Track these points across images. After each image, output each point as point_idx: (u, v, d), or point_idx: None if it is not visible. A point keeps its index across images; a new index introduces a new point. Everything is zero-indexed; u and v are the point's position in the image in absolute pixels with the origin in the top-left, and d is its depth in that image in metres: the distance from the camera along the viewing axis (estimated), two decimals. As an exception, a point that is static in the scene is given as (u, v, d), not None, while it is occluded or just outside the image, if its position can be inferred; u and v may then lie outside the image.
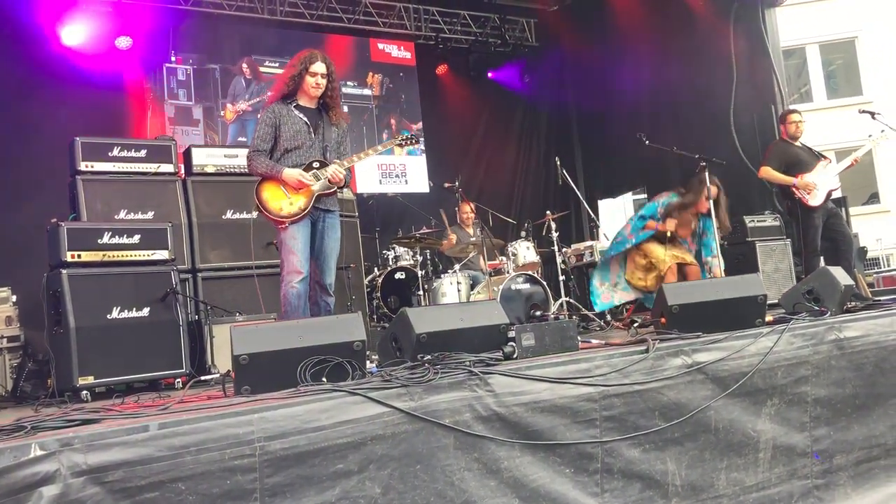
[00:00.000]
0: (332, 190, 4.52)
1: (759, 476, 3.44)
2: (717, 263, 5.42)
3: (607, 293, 5.48)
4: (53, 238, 4.50)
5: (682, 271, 5.41)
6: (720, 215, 5.50)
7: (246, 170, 4.74)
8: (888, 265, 14.11)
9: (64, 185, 5.59)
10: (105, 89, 8.29)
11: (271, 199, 4.39)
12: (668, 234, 5.34)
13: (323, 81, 4.52)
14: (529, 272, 7.19)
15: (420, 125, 10.89)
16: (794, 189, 6.72)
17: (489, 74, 11.40)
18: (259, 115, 4.58)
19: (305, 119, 4.52)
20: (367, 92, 10.90)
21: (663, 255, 5.26)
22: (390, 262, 7.85)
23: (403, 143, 5.12)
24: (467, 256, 7.65)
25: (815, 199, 6.67)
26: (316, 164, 4.47)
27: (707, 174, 5.47)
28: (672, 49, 9.61)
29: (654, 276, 5.32)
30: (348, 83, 10.76)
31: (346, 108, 10.48)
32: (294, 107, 4.53)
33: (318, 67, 4.49)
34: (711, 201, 5.37)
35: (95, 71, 8.16)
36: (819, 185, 6.67)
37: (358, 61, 10.76)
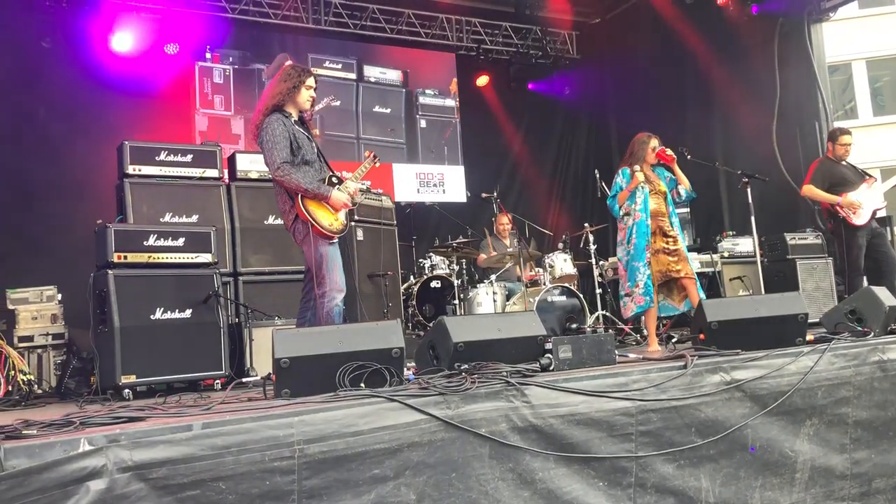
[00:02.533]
0: (354, 206, 4.57)
1: (794, 496, 3.39)
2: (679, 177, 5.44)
3: (631, 302, 5.44)
4: (101, 239, 4.61)
5: (672, 286, 5.34)
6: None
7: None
8: (934, 287, 13.78)
9: (111, 187, 5.73)
10: (151, 96, 8.46)
11: (321, 213, 4.33)
12: (656, 229, 5.27)
13: (315, 96, 4.57)
14: (566, 284, 7.18)
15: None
16: (838, 208, 6.60)
17: (529, 86, 11.41)
18: (269, 127, 4.38)
19: (306, 133, 4.52)
20: (449, 103, 10.85)
21: (654, 270, 5.22)
22: (426, 271, 7.89)
23: (374, 163, 4.97)
24: (504, 267, 7.66)
25: (860, 219, 6.55)
26: (335, 180, 4.46)
27: (642, 133, 5.53)
28: (715, 63, 9.53)
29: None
30: (427, 91, 10.72)
31: (423, 123, 10.89)
32: (294, 122, 4.49)
33: (312, 82, 4.53)
34: (656, 148, 5.36)
35: (143, 77, 8.35)
36: (864, 203, 6.56)
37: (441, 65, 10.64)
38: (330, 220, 4.34)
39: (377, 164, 4.98)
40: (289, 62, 4.72)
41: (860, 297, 4.42)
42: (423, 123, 11.02)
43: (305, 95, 4.49)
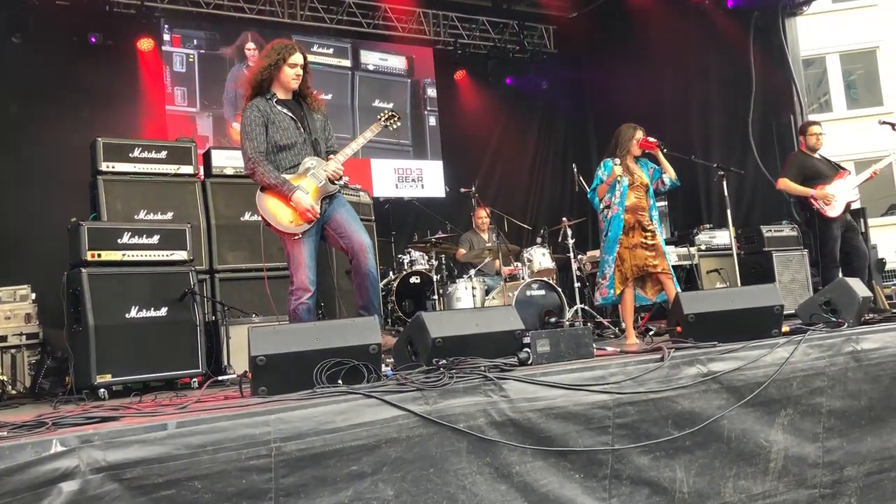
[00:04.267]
0: (334, 190, 4.32)
1: (766, 485, 3.43)
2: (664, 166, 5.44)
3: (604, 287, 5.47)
4: (74, 237, 4.56)
5: (646, 278, 5.36)
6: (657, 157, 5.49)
7: None
8: (907, 277, 13.97)
9: (85, 184, 5.66)
10: (128, 91, 8.35)
11: (278, 211, 4.15)
12: (634, 223, 5.28)
13: (301, 73, 4.32)
14: (544, 278, 7.19)
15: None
16: (812, 200, 6.70)
17: (507, 81, 11.43)
18: (244, 116, 4.19)
19: (290, 115, 4.29)
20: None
21: (631, 265, 5.24)
22: (405, 267, 7.87)
23: (389, 124, 4.74)
24: (482, 262, 7.67)
25: (833, 210, 6.64)
26: (311, 163, 4.25)
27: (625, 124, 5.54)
28: (691, 57, 9.60)
29: (616, 280, 5.30)
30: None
31: (433, 120, 9.46)
32: (276, 102, 4.28)
33: (298, 59, 4.27)
34: (640, 139, 5.37)
35: (119, 73, 8.24)
36: (837, 196, 6.65)
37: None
38: (289, 216, 4.15)
39: (394, 127, 4.69)
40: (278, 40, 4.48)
41: (834, 289, 4.47)
42: (432, 121, 9.85)
43: (290, 74, 4.26)
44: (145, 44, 8.34)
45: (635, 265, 5.28)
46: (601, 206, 5.47)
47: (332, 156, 4.34)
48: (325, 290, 5.78)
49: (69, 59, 7.97)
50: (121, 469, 2.24)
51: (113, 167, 5.48)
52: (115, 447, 2.25)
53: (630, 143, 5.42)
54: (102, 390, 4.26)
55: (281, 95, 4.32)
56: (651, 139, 5.41)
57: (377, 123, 4.64)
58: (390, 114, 4.69)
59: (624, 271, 5.30)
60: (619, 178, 5.30)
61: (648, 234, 5.34)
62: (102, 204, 5.38)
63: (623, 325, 5.66)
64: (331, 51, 8.93)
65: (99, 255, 4.53)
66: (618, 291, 5.31)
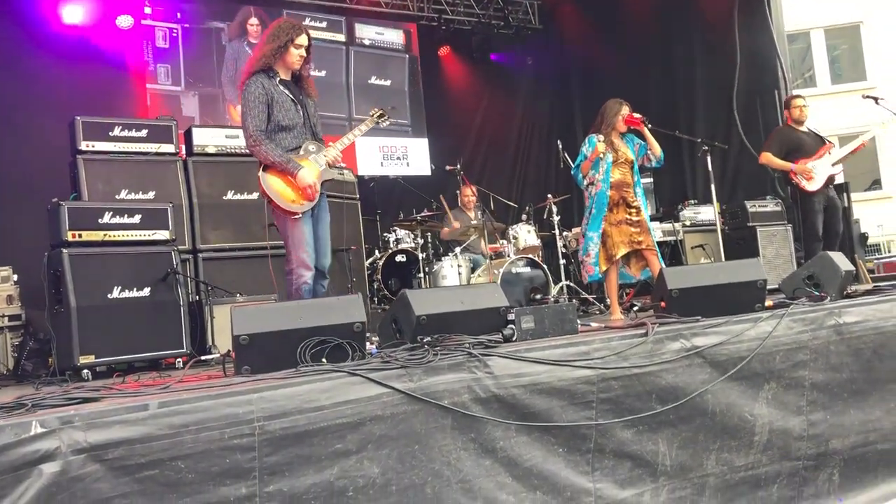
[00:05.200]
0: (332, 175, 4.36)
1: (750, 457, 3.46)
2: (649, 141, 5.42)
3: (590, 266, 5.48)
4: (54, 217, 4.51)
5: (631, 254, 5.36)
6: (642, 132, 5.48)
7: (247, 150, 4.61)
8: (889, 251, 14.12)
9: (65, 164, 5.59)
10: (107, 70, 8.21)
11: (282, 189, 4.15)
12: (619, 200, 5.28)
13: (305, 55, 4.33)
14: (530, 256, 7.20)
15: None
16: (791, 174, 6.71)
17: (492, 57, 11.35)
18: (247, 91, 4.19)
19: (291, 96, 4.30)
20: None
21: (618, 241, 5.24)
22: (391, 245, 7.85)
23: (380, 122, 4.70)
24: (468, 240, 7.66)
25: (812, 185, 6.63)
26: (312, 148, 4.29)
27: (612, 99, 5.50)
28: (676, 32, 9.56)
29: (602, 257, 5.30)
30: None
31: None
32: (279, 82, 4.28)
33: (303, 40, 4.28)
34: (626, 115, 5.35)
35: (98, 50, 8.09)
36: (818, 170, 6.64)
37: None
38: (293, 196, 4.17)
39: (383, 125, 4.69)
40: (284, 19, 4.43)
41: (817, 263, 4.49)
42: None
43: (295, 55, 4.27)
44: (124, 21, 8.19)
45: (621, 241, 5.28)
46: (585, 183, 5.46)
47: (330, 143, 4.37)
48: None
49: (45, 34, 7.83)
50: (102, 450, 2.22)
51: (93, 146, 5.41)
52: (97, 428, 2.24)
53: (615, 119, 5.38)
54: (86, 371, 4.23)
55: (282, 75, 4.32)
56: (636, 115, 5.38)
57: (370, 119, 4.64)
58: (381, 111, 4.68)
59: (609, 248, 5.30)
60: (602, 155, 5.27)
61: (633, 210, 5.33)
62: (83, 184, 5.32)
63: (608, 301, 5.68)
64: (324, 24, 8.40)
65: (80, 236, 4.48)
66: (603, 269, 5.31)
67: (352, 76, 8.65)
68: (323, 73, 8.36)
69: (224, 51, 8.10)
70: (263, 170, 4.21)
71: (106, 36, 8.08)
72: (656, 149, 5.44)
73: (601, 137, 5.29)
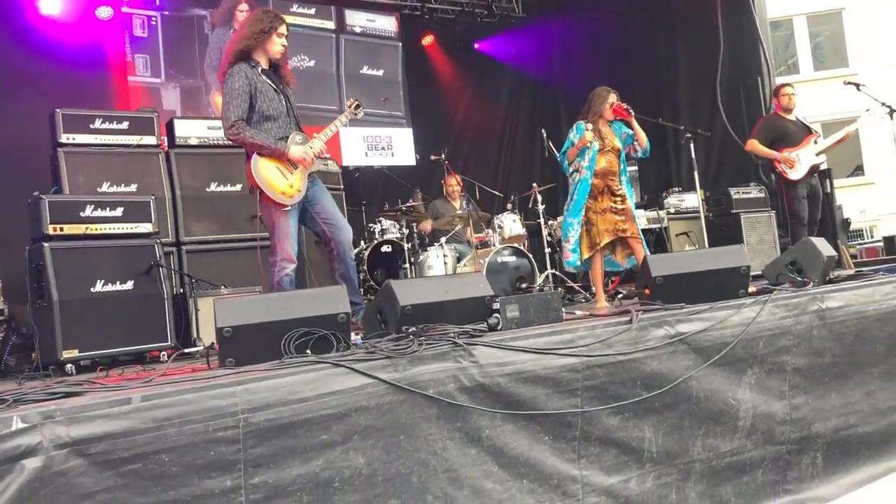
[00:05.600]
0: (318, 167, 4.40)
1: (735, 442, 3.49)
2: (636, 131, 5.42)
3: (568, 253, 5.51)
4: (35, 211, 4.46)
5: (616, 243, 5.38)
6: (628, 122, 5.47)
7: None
8: (871, 237, 14.24)
9: (45, 157, 5.53)
10: (87, 63, 8.10)
11: (273, 179, 4.14)
12: (604, 188, 5.28)
13: (286, 44, 4.36)
14: (515, 245, 7.20)
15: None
16: (775, 162, 6.78)
17: (475, 46, 11.31)
18: (229, 81, 4.15)
19: (273, 85, 4.30)
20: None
21: (602, 230, 5.25)
22: (377, 236, 7.83)
23: (357, 113, 4.71)
24: (453, 229, 7.65)
25: (795, 173, 6.71)
26: (299, 139, 4.28)
27: (601, 87, 5.50)
28: (659, 20, 9.57)
29: (585, 245, 5.31)
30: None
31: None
32: (261, 71, 4.26)
33: (284, 30, 4.31)
34: (613, 104, 5.35)
35: (77, 43, 7.98)
36: (802, 159, 6.71)
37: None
38: (284, 186, 4.16)
39: (360, 115, 4.69)
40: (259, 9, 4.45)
41: (800, 249, 4.52)
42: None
43: (278, 43, 4.28)
44: (104, 12, 8.08)
45: (605, 230, 5.28)
46: (570, 170, 5.46)
47: (315, 134, 4.37)
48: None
49: (24, 26, 7.72)
50: (85, 444, 2.21)
51: (73, 139, 5.35)
52: (79, 422, 2.22)
53: (602, 107, 5.38)
54: (69, 366, 4.19)
55: (263, 64, 4.30)
56: (624, 106, 5.37)
57: (348, 111, 4.64)
58: (357, 102, 4.68)
59: (594, 236, 5.31)
60: (589, 144, 5.27)
61: (618, 198, 5.34)
62: (64, 177, 5.26)
63: (593, 289, 5.69)
64: (312, 10, 7.98)
65: (61, 229, 4.43)
66: (585, 256, 5.32)
67: (342, 66, 8.32)
68: (312, 63, 8.08)
69: (206, 40, 7.88)
70: (254, 160, 4.17)
71: (85, 27, 7.97)
72: (643, 139, 5.44)
73: (589, 126, 5.28)
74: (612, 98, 5.40)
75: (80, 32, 7.96)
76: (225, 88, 4.21)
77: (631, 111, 5.37)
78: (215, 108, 7.84)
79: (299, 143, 4.27)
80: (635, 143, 5.44)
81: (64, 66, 7.67)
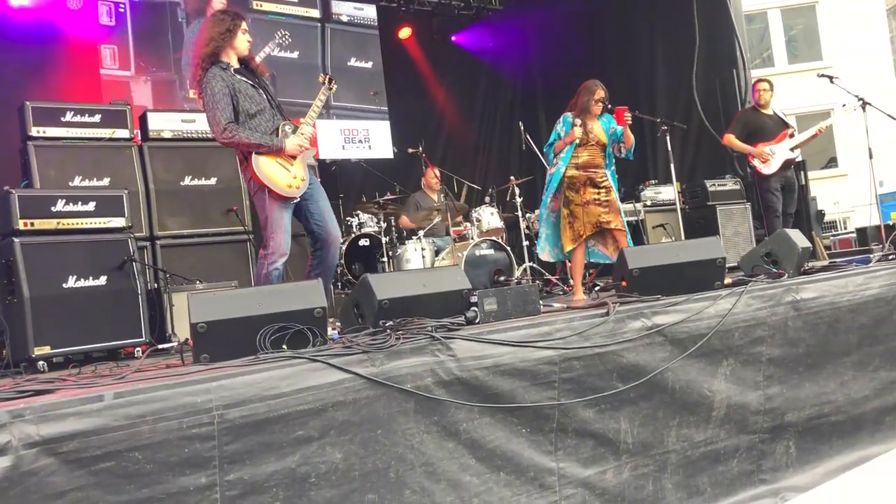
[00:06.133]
0: (312, 154, 4.40)
1: (708, 432, 3.52)
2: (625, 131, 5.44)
3: (542, 245, 5.55)
4: (4, 206, 4.38)
5: (606, 235, 5.40)
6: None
7: (207, 135, 4.55)
8: (845, 228, 14.42)
9: (15, 151, 5.44)
10: (58, 54, 7.94)
11: (277, 175, 4.15)
12: (586, 180, 5.31)
13: (251, 39, 4.37)
14: (493, 238, 7.20)
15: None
16: (749, 157, 6.89)
17: (453, 38, 11.28)
18: (209, 87, 4.12)
19: (249, 81, 4.28)
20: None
21: (585, 223, 5.27)
22: (354, 229, 7.79)
23: (331, 88, 4.65)
24: (431, 223, 7.63)
25: (768, 168, 6.82)
26: (289, 129, 4.28)
27: (591, 80, 5.50)
28: (636, 13, 9.60)
29: (568, 237, 5.34)
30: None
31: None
32: (234, 71, 4.25)
33: (245, 25, 4.32)
34: (601, 101, 5.36)
35: (48, 33, 7.82)
36: (776, 153, 6.81)
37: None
38: (287, 179, 4.19)
39: (333, 89, 4.66)
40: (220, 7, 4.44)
41: (775, 240, 4.56)
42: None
43: (243, 40, 4.28)
44: (75, 1, 7.93)
45: (588, 222, 5.29)
46: (553, 161, 5.47)
47: (302, 120, 4.36)
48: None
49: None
50: (56, 443, 2.17)
51: (44, 132, 5.27)
52: (49, 421, 2.18)
53: (590, 103, 5.38)
54: (42, 363, 4.14)
55: (234, 64, 4.30)
56: (627, 116, 5.34)
57: (324, 88, 4.58)
58: (329, 76, 4.63)
59: (577, 228, 5.32)
60: (577, 140, 5.28)
61: (602, 190, 5.35)
62: (34, 171, 5.18)
63: (571, 281, 5.71)
64: None
65: (32, 224, 4.37)
66: (568, 248, 5.34)
67: (328, 58, 7.92)
68: (295, 55, 7.69)
69: (180, 28, 7.57)
70: (254, 160, 4.16)
71: (56, 17, 7.80)
72: (629, 140, 5.44)
73: (578, 121, 5.27)
74: (600, 94, 5.38)
75: (51, 22, 7.80)
76: (206, 96, 4.18)
77: (629, 120, 5.36)
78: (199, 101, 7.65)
79: (290, 134, 4.27)
80: (621, 143, 5.45)
81: (34, 58, 7.53)
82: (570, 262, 5.63)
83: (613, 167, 5.51)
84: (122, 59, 6.58)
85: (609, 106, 5.41)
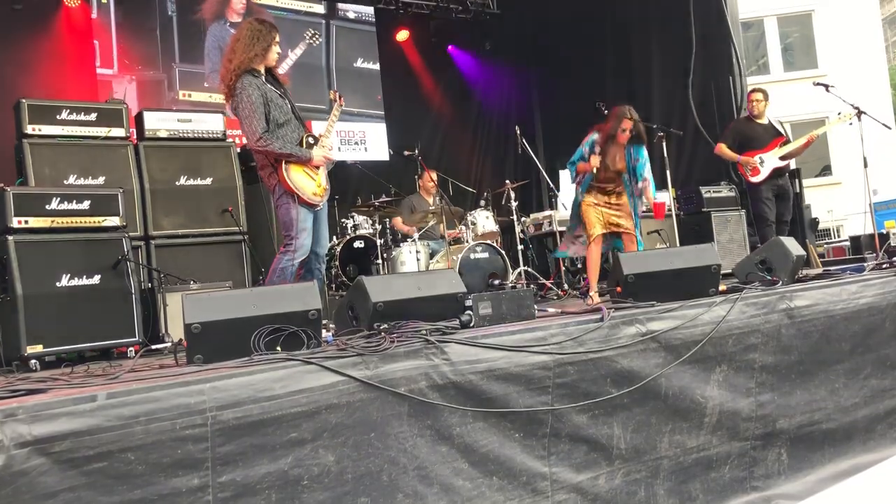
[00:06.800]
0: (332, 164, 4.66)
1: (700, 438, 3.53)
2: (649, 187, 5.48)
3: (567, 241, 5.62)
4: (-1, 203, 4.37)
5: (617, 238, 5.48)
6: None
7: (203, 135, 4.87)
8: (838, 236, 14.46)
9: (10, 148, 5.42)
10: (53, 51, 7.92)
11: (304, 183, 4.42)
12: (607, 187, 5.38)
13: (280, 52, 4.59)
14: (488, 241, 7.20)
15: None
16: (739, 166, 6.96)
17: (449, 41, 11.29)
18: (245, 95, 4.31)
19: (277, 91, 4.50)
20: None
21: (595, 221, 5.33)
22: (349, 231, 7.79)
23: (341, 105, 4.85)
24: (427, 226, 7.63)
25: (756, 177, 6.87)
26: (311, 140, 4.50)
27: (624, 107, 5.51)
28: (633, 18, 9.62)
29: (591, 223, 5.38)
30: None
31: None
32: (265, 80, 4.47)
33: (277, 37, 4.52)
34: (628, 130, 5.38)
35: (44, 30, 7.80)
36: (766, 162, 6.85)
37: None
38: (313, 187, 4.45)
39: (343, 105, 4.85)
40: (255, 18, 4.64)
41: (769, 248, 4.57)
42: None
43: (274, 52, 4.52)
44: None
45: (597, 220, 5.44)
46: (576, 178, 5.59)
47: (320, 134, 4.64)
48: (264, 256, 5.70)
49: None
50: (48, 443, 2.16)
51: (39, 130, 5.26)
52: (42, 420, 2.17)
53: (616, 130, 5.39)
54: (34, 362, 4.12)
55: (263, 73, 4.51)
56: (667, 209, 5.42)
57: (336, 106, 4.79)
58: (338, 94, 4.85)
59: (587, 228, 5.40)
60: (592, 171, 5.35)
61: (613, 195, 5.50)
62: (29, 169, 5.17)
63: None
64: None
65: (26, 222, 4.35)
66: (593, 233, 5.41)
67: (333, 57, 7.50)
68: (299, 52, 7.42)
69: (168, 24, 7.16)
70: (285, 168, 4.38)
71: (53, 14, 7.78)
72: (649, 199, 5.54)
73: (596, 159, 5.32)
74: (628, 124, 5.40)
75: (47, 19, 7.77)
76: (242, 103, 4.36)
77: (664, 214, 5.43)
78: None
79: (313, 145, 4.51)
80: (644, 189, 5.49)
81: (30, 56, 7.50)
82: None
83: (630, 188, 5.54)
84: (105, 57, 6.18)
85: (637, 135, 5.42)
